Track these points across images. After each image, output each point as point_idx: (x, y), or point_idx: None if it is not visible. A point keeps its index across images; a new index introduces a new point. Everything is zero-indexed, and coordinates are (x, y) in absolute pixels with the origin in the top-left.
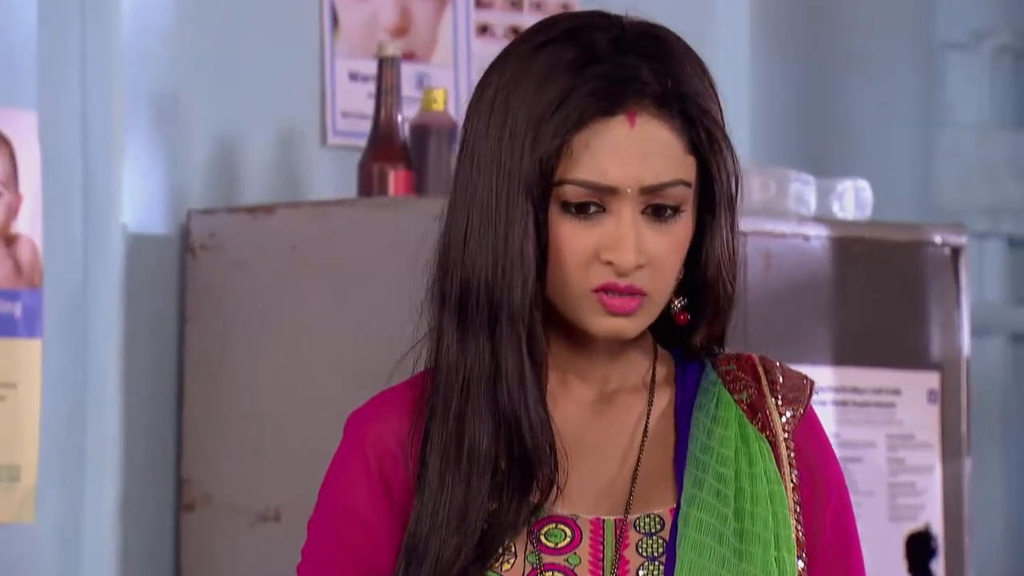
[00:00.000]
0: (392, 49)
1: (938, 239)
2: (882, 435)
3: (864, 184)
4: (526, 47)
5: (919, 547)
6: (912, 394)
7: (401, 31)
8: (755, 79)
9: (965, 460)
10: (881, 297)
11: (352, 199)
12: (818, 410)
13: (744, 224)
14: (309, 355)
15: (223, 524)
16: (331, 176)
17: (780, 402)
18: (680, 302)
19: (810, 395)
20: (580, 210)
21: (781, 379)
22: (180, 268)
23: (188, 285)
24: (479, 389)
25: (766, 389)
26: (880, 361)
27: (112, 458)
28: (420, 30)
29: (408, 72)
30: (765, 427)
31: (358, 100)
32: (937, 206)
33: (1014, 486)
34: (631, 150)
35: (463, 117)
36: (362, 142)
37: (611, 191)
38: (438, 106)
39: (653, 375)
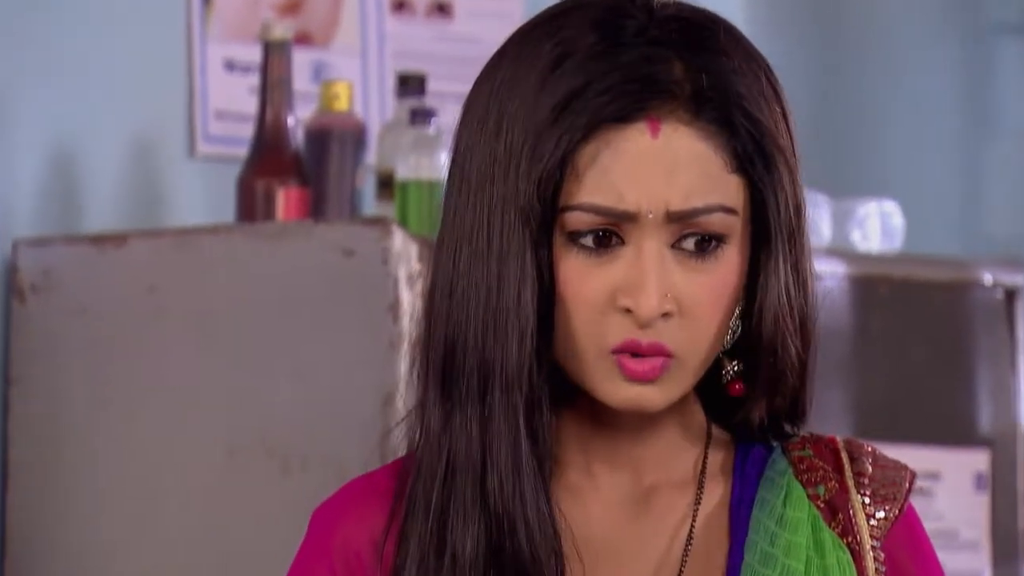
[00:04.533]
0: (281, 31)
1: (988, 278)
2: None
3: (893, 207)
4: (528, 38)
5: None
6: (955, 479)
7: (292, 7)
8: None
9: (1022, 564)
10: (914, 353)
11: (228, 225)
12: None
13: None
14: (171, 427)
15: None
16: (201, 195)
17: (869, 500)
18: (734, 367)
19: (909, 490)
20: (592, 243)
21: (871, 469)
22: (3, 316)
23: (14, 337)
24: (465, 477)
25: (850, 483)
26: (913, 436)
27: None
28: (317, 6)
29: (302, 60)
30: (847, 532)
31: (237, 96)
32: (986, 235)
33: None
34: (653, 166)
35: (454, 126)
36: (242, 151)
37: (629, 218)
38: (341, 104)
39: (704, 463)
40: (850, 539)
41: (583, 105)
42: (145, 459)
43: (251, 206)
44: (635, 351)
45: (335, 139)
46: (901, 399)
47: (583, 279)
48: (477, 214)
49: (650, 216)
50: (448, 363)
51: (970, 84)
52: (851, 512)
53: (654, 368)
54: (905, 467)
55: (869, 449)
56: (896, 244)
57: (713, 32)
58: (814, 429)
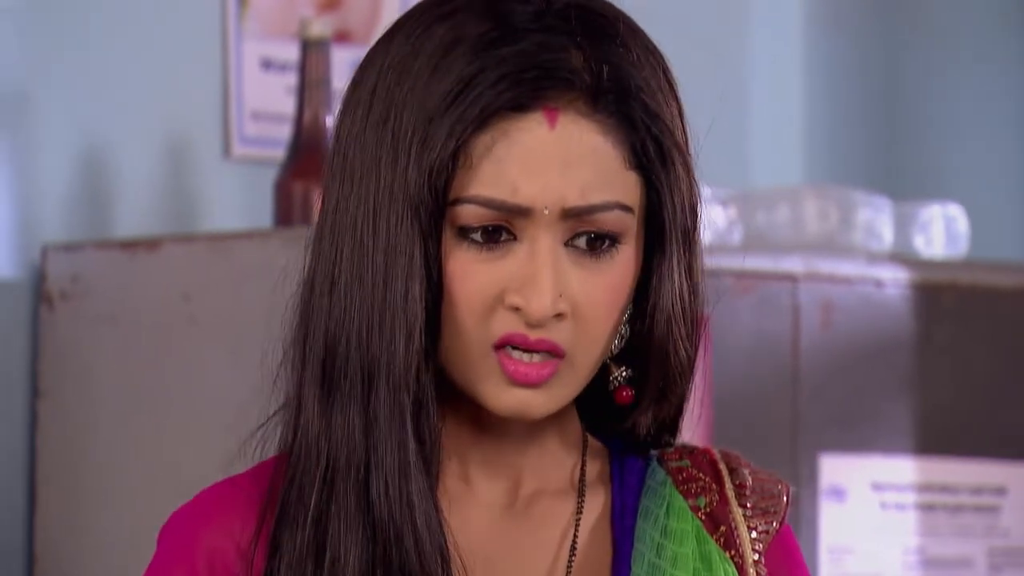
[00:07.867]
0: (320, 28)
1: None
2: (982, 550)
3: (957, 210)
4: (418, 21)
5: None
6: (1022, 494)
7: (332, 4)
8: (809, 67)
9: None
10: (981, 364)
11: (265, 230)
12: (895, 516)
13: (794, 264)
14: (206, 440)
15: None
16: (236, 199)
17: (749, 512)
18: (623, 373)
19: (787, 505)
20: (482, 238)
21: (750, 481)
22: (32, 324)
23: (43, 347)
24: (347, 482)
25: (731, 494)
26: (979, 450)
27: None
28: (357, 3)
29: (342, 58)
30: (729, 545)
31: (274, 96)
32: None
33: None
34: (550, 159)
35: (336, 113)
36: (279, 153)
37: (522, 212)
38: None
39: (583, 472)
40: (733, 552)
41: (477, 92)
42: (178, 473)
43: (288, 210)
44: (520, 345)
45: None
46: (966, 411)
47: (472, 275)
48: (362, 205)
49: (545, 212)
50: (329, 361)
51: None
52: (733, 524)
53: (542, 373)
54: (781, 481)
55: (743, 461)
56: (961, 249)
57: (612, 22)
58: (876, 443)
